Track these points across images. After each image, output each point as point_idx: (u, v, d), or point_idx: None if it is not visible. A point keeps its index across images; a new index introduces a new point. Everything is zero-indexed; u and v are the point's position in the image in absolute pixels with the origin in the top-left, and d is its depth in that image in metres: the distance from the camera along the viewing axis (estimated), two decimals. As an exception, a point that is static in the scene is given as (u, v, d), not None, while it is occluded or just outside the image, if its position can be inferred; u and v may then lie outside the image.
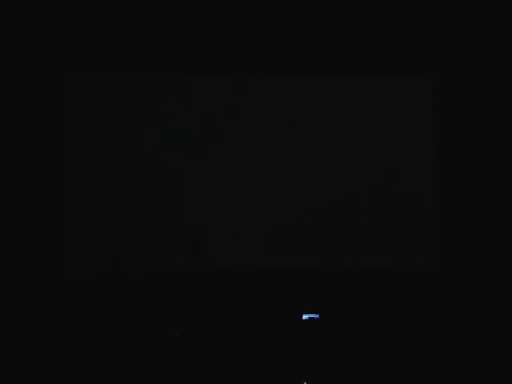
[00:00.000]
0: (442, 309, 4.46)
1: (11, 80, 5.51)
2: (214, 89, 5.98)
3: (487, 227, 5.55)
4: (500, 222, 5.54)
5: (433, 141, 5.86)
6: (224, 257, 5.80)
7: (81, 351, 3.94)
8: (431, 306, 4.58)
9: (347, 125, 6.02)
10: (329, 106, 6.07)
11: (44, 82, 5.62)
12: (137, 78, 5.92)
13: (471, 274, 5.26)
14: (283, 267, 6.01)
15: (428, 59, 5.68)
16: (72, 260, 5.87)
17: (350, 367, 3.81)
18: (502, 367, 3.74)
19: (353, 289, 5.14)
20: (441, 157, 5.80)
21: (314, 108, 6.02)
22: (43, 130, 5.63)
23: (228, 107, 6.00)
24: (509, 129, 5.52)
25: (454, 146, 5.69)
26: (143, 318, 4.29)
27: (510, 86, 5.50)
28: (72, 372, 3.76)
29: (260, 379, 3.78)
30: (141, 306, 4.65)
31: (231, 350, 3.98)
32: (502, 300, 4.57)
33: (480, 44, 5.53)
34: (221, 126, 6.01)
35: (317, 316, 4.29)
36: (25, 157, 5.56)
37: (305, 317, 4.27)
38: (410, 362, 3.85)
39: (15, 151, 5.54)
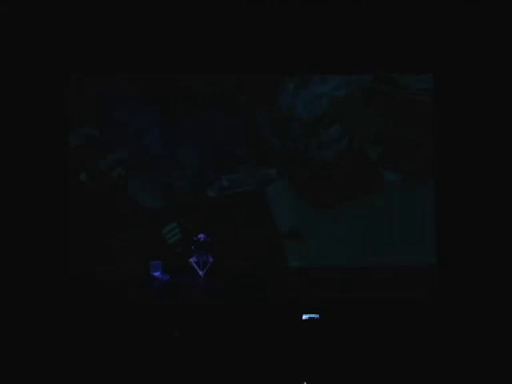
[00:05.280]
0: (442, 309, 4.47)
1: (11, 80, 5.52)
2: (214, 88, 5.99)
3: (487, 228, 5.57)
4: (500, 222, 5.55)
5: (433, 140, 5.88)
6: (224, 257, 5.81)
7: (80, 350, 3.95)
8: (431, 305, 4.59)
9: (346, 124, 6.04)
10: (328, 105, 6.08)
11: (44, 82, 5.64)
12: (137, 78, 5.93)
13: (471, 274, 5.28)
14: (283, 267, 6.03)
15: (427, 59, 5.70)
16: (72, 260, 5.87)
17: (349, 367, 3.82)
18: (502, 367, 3.75)
19: (353, 289, 5.15)
20: (441, 157, 5.82)
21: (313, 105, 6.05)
22: (43, 130, 5.64)
23: (228, 107, 6.01)
24: (509, 127, 5.53)
25: (454, 145, 5.70)
26: (143, 318, 4.30)
27: (508, 84, 5.52)
28: (72, 371, 3.77)
29: (260, 379, 3.79)
30: (141, 306, 4.67)
31: (231, 350, 3.99)
32: (502, 300, 4.58)
33: (478, 44, 5.55)
34: (220, 126, 6.02)
35: (317, 316, 4.30)
36: (25, 157, 5.57)
37: (305, 317, 4.28)
38: (409, 362, 3.85)
39: (16, 151, 5.55)
